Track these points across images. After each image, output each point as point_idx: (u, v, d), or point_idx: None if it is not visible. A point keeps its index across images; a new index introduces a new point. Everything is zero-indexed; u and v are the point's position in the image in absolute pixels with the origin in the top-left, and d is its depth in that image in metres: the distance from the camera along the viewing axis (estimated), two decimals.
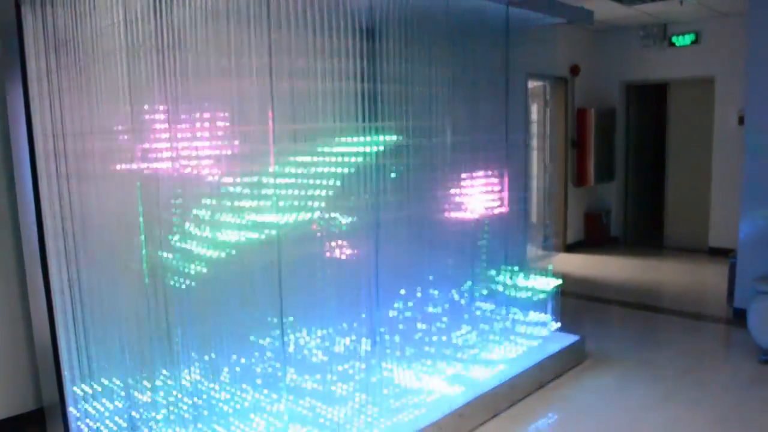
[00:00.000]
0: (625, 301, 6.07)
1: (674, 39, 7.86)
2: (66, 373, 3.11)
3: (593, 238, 8.64)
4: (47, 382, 3.20)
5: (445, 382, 3.58)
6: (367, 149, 3.29)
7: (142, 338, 3.06)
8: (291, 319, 3.07)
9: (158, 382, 3.07)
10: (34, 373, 3.55)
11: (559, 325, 4.45)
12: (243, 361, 3.20)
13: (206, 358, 3.10)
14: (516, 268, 4.25)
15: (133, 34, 2.43)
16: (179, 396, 3.01)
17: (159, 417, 3.00)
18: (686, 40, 7.78)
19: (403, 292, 3.73)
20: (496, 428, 3.51)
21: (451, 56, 3.68)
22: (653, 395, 3.88)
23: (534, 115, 7.92)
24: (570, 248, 8.37)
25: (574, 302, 6.06)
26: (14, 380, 3.52)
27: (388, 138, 3.40)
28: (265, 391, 3.11)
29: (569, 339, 4.37)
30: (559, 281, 4.36)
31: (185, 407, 3.00)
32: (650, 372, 4.26)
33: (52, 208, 3.04)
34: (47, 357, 3.13)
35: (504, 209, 4.14)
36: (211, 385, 3.11)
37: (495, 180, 4.09)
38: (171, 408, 2.98)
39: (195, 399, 3.03)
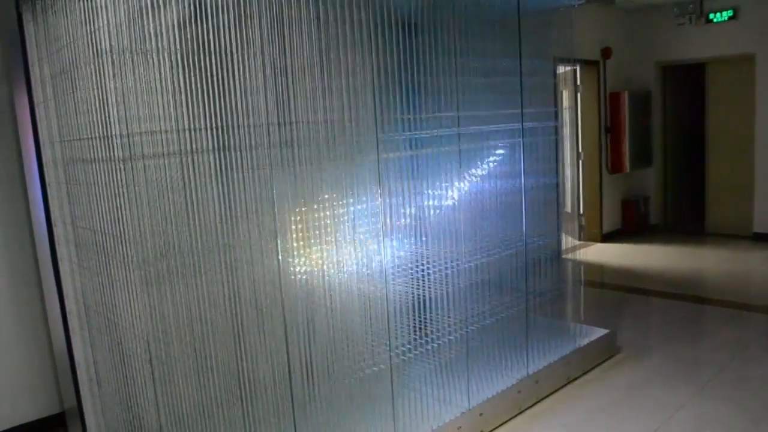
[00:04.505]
0: (664, 291, 5.83)
1: (711, 15, 7.52)
2: (83, 377, 3.14)
3: (631, 226, 8.36)
4: (66, 386, 3.24)
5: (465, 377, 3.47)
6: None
7: None
8: None
9: None
10: (57, 377, 3.60)
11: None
12: None
13: None
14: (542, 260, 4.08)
15: (123, 37, 2.40)
16: None
17: None
18: (724, 16, 7.43)
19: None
20: (520, 426, 3.40)
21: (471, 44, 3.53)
22: (688, 392, 3.69)
23: (565, 101, 7.69)
24: (606, 237, 8.12)
25: (611, 294, 5.86)
26: (40, 384, 3.58)
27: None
28: None
29: (598, 332, 4.21)
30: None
31: None
32: (686, 367, 4.06)
33: (61, 214, 3.06)
34: (64, 361, 3.17)
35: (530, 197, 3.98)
36: None
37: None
38: None
39: None
